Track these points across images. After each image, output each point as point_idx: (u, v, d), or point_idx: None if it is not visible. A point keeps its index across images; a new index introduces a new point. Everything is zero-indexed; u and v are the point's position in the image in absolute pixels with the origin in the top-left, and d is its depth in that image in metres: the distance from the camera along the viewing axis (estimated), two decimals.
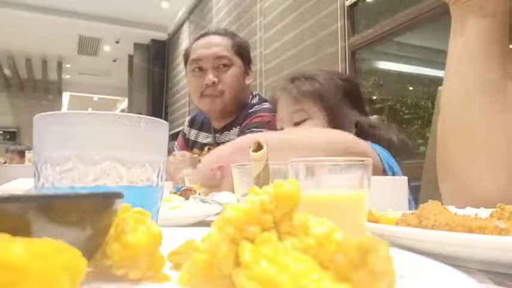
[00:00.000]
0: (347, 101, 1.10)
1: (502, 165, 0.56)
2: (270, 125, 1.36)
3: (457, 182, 0.59)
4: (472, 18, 0.56)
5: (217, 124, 1.54)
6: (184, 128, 1.70)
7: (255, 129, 1.35)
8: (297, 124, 1.08)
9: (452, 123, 0.60)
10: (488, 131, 0.56)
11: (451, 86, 0.60)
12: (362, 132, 1.06)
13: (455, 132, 0.59)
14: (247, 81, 1.51)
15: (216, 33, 1.50)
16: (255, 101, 1.52)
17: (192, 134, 1.64)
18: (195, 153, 1.57)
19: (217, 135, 1.53)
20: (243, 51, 1.50)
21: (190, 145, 1.63)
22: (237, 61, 1.47)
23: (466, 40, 0.57)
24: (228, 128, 1.51)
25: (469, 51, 0.57)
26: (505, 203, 0.41)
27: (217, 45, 1.46)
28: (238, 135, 1.43)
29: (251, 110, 1.46)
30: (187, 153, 1.50)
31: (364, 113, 1.14)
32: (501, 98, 0.56)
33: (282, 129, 1.13)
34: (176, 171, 1.35)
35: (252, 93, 1.57)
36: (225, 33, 1.51)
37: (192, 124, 1.66)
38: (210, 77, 1.43)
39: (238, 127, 1.46)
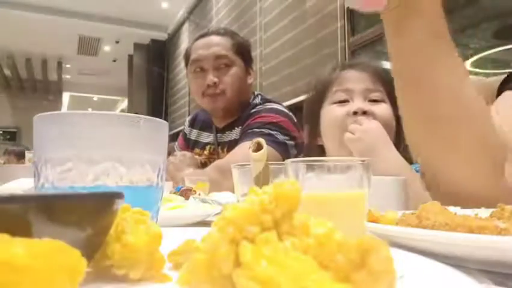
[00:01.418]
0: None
1: (483, 163, 0.55)
2: (276, 126, 1.36)
3: (444, 187, 0.58)
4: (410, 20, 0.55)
5: (219, 123, 1.54)
6: (184, 128, 1.69)
7: (256, 130, 1.35)
8: (371, 101, 0.97)
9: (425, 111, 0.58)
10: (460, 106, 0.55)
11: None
12: None
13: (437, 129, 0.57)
14: (249, 81, 1.50)
15: (216, 32, 1.50)
16: (257, 100, 1.51)
17: (193, 134, 1.63)
18: (196, 153, 1.56)
19: (219, 134, 1.53)
20: (243, 51, 1.49)
21: (191, 145, 1.62)
22: (238, 61, 1.46)
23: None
24: (229, 127, 1.50)
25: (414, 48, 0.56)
26: (503, 202, 0.41)
27: (217, 45, 1.45)
28: (240, 135, 1.42)
29: (254, 110, 1.44)
30: (187, 153, 1.49)
31: None
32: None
33: (345, 101, 0.97)
34: (177, 171, 1.35)
35: (253, 93, 1.56)
36: (224, 32, 1.51)
37: (192, 124, 1.66)
38: (211, 77, 1.43)
39: (240, 127, 1.45)
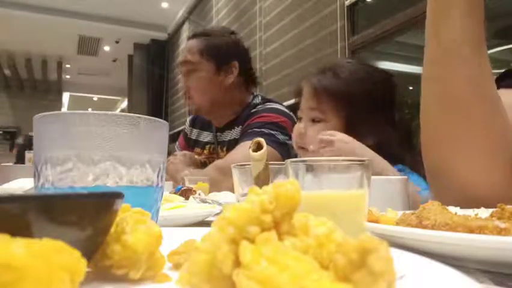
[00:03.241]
0: (373, 106, 1.00)
1: (498, 161, 0.55)
2: (276, 126, 1.36)
3: (450, 183, 0.57)
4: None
5: (218, 123, 1.54)
6: (185, 128, 1.70)
7: (256, 129, 1.35)
8: (312, 121, 1.03)
9: (437, 103, 0.59)
10: (479, 103, 0.55)
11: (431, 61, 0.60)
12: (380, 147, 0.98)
13: (442, 116, 0.58)
14: (228, 80, 1.46)
15: (195, 35, 1.51)
16: (257, 101, 1.51)
17: (194, 133, 1.64)
18: (196, 153, 1.57)
19: (219, 133, 1.54)
20: (217, 52, 1.45)
21: (191, 144, 1.63)
22: (205, 64, 1.44)
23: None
24: (229, 127, 1.51)
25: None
26: (504, 203, 0.41)
27: (187, 50, 1.47)
28: (240, 135, 1.43)
29: (254, 110, 1.45)
30: (187, 153, 1.50)
31: (391, 121, 1.03)
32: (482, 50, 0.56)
33: (300, 119, 1.07)
34: (176, 171, 1.35)
35: (253, 93, 1.56)
36: (202, 33, 1.50)
37: (193, 124, 1.66)
38: (183, 82, 1.50)
39: (240, 126, 1.46)
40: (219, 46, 1.46)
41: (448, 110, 0.57)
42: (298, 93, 1.10)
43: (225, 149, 1.49)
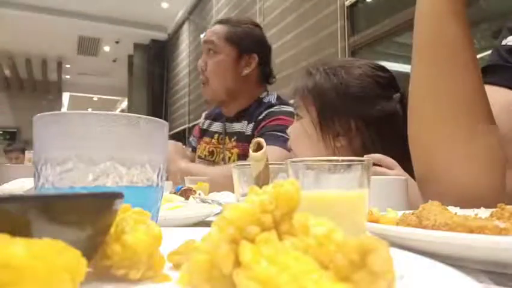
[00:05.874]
0: (347, 99, 0.92)
1: (498, 161, 0.55)
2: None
3: (447, 185, 0.56)
4: None
5: (227, 112, 1.56)
6: (199, 122, 1.75)
7: (279, 133, 1.35)
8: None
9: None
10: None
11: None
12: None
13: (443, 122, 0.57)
14: (245, 71, 1.47)
15: (220, 22, 1.54)
16: (272, 99, 1.50)
17: (206, 124, 1.68)
18: (205, 142, 1.61)
19: (228, 124, 1.56)
20: (240, 40, 1.46)
21: (202, 134, 1.68)
22: (227, 49, 1.45)
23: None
24: (237, 118, 1.52)
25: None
26: (505, 202, 0.41)
27: (211, 31, 1.49)
28: (260, 135, 1.39)
29: (270, 110, 1.44)
30: (179, 144, 1.56)
31: (370, 118, 0.92)
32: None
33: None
34: (172, 161, 1.38)
35: (267, 90, 1.56)
36: (226, 21, 1.53)
37: (208, 116, 1.70)
38: (200, 61, 1.49)
39: (251, 121, 1.46)
40: (244, 35, 1.48)
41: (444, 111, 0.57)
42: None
43: (232, 139, 1.50)
